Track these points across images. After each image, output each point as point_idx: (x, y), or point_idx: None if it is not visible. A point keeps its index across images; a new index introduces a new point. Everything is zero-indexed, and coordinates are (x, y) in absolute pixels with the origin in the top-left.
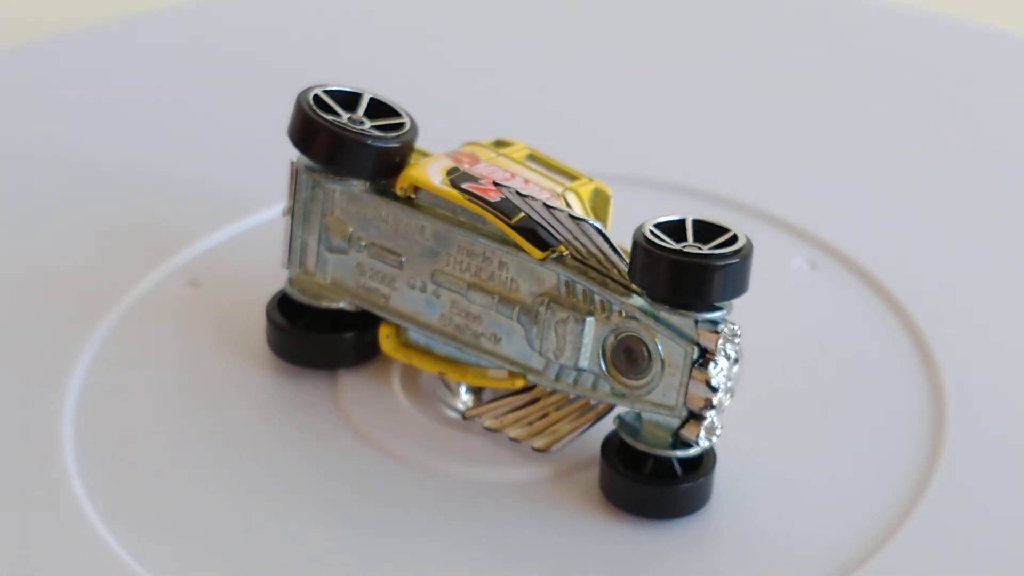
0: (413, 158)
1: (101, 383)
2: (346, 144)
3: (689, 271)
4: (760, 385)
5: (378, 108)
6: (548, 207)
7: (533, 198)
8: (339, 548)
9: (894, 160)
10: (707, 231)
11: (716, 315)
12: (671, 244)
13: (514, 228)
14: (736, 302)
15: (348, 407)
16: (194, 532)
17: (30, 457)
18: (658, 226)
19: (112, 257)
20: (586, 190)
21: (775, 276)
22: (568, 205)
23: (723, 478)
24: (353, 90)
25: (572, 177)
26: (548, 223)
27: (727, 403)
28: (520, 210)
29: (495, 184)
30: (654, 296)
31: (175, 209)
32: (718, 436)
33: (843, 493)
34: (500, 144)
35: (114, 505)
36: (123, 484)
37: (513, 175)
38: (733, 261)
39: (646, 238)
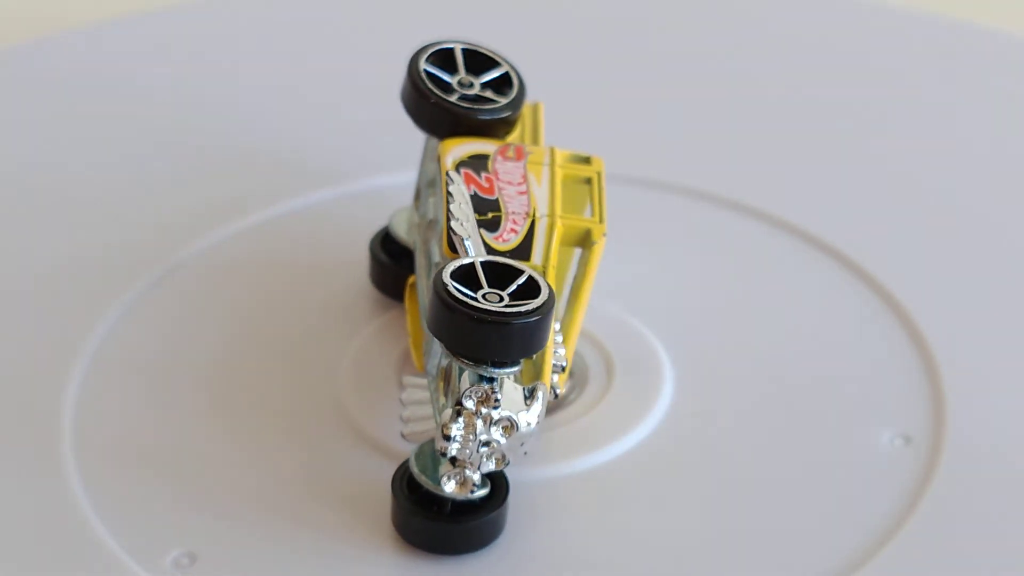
0: (515, 135)
1: (100, 378)
2: (413, 96)
3: (454, 320)
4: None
5: (503, 81)
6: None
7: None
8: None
9: (893, 160)
10: (530, 288)
11: (484, 370)
12: (455, 288)
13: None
14: (749, 292)
15: (348, 403)
16: (192, 530)
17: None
18: (486, 264)
19: None
20: (575, 228)
21: (770, 274)
22: (532, 231)
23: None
24: (493, 56)
25: (593, 213)
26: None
27: (490, 465)
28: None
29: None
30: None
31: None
32: (471, 495)
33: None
34: (580, 159)
35: (111, 502)
36: (120, 477)
37: (522, 181)
38: (505, 321)
39: (441, 275)
